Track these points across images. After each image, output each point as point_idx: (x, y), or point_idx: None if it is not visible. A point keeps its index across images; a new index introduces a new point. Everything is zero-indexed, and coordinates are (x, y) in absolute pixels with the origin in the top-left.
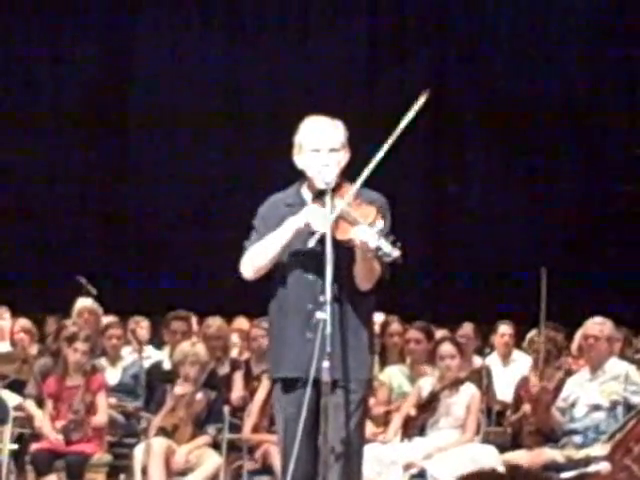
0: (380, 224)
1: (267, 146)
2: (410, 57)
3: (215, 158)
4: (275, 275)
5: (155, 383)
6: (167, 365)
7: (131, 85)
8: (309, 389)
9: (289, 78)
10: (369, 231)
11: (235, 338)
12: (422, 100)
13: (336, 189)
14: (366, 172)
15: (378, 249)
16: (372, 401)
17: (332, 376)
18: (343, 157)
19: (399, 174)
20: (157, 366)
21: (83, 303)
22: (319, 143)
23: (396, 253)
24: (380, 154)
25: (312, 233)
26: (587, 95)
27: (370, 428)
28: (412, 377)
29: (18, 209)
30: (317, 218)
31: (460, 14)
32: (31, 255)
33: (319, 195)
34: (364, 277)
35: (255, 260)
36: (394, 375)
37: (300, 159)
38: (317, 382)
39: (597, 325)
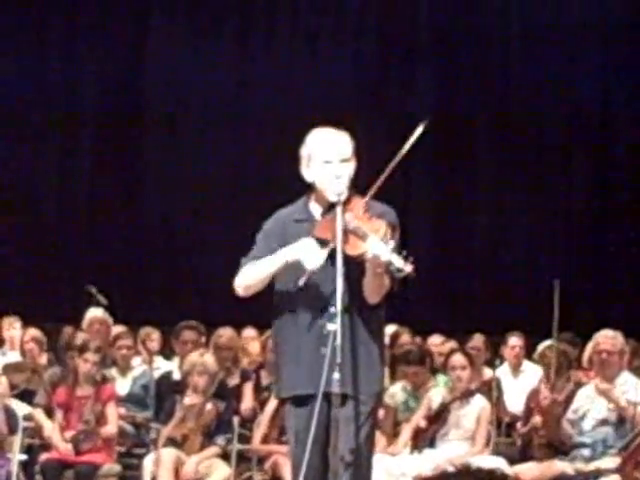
0: (391, 240)
1: (279, 157)
2: (420, 67)
3: (227, 168)
4: (281, 293)
5: (165, 394)
6: (177, 376)
7: (144, 94)
8: (319, 401)
9: (298, 89)
10: (380, 245)
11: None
12: (420, 130)
13: (345, 202)
14: (373, 189)
15: (390, 264)
16: (381, 413)
17: (342, 389)
18: (352, 168)
19: (408, 186)
20: (167, 377)
21: (94, 313)
22: (331, 154)
23: (409, 268)
24: (382, 178)
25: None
26: (598, 105)
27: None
28: (415, 393)
29: (29, 218)
30: (309, 255)
31: (470, 24)
32: (41, 265)
33: (329, 208)
34: (373, 291)
35: (246, 280)
36: (397, 394)
37: (309, 172)
38: (327, 394)
39: (609, 339)
